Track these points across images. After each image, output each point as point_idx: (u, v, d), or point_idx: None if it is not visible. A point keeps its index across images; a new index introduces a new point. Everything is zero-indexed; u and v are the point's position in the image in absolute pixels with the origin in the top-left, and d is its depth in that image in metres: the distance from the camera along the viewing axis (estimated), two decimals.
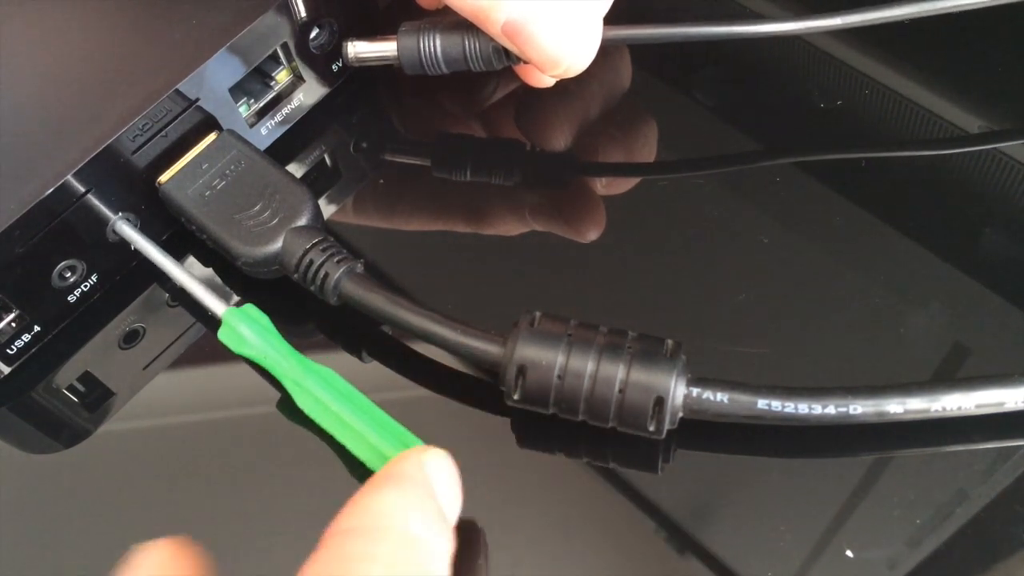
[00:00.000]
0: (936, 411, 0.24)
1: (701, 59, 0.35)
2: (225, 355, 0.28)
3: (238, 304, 0.27)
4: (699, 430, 0.25)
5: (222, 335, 0.26)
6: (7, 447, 0.27)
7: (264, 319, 0.26)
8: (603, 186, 0.32)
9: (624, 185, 0.32)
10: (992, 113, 0.32)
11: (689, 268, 0.29)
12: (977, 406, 0.24)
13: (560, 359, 0.24)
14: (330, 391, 0.25)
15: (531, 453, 0.26)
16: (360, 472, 0.25)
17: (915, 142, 0.31)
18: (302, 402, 0.25)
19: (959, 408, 0.24)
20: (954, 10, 0.30)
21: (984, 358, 0.26)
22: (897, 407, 0.23)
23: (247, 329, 0.26)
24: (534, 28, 0.27)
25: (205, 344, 0.29)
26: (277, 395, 0.27)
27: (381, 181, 0.32)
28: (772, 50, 0.35)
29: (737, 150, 0.32)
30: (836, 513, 0.24)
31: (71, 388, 0.28)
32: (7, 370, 0.28)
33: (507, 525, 0.25)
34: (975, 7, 0.30)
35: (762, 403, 0.23)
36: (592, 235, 0.30)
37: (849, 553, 0.24)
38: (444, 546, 0.21)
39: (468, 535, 0.24)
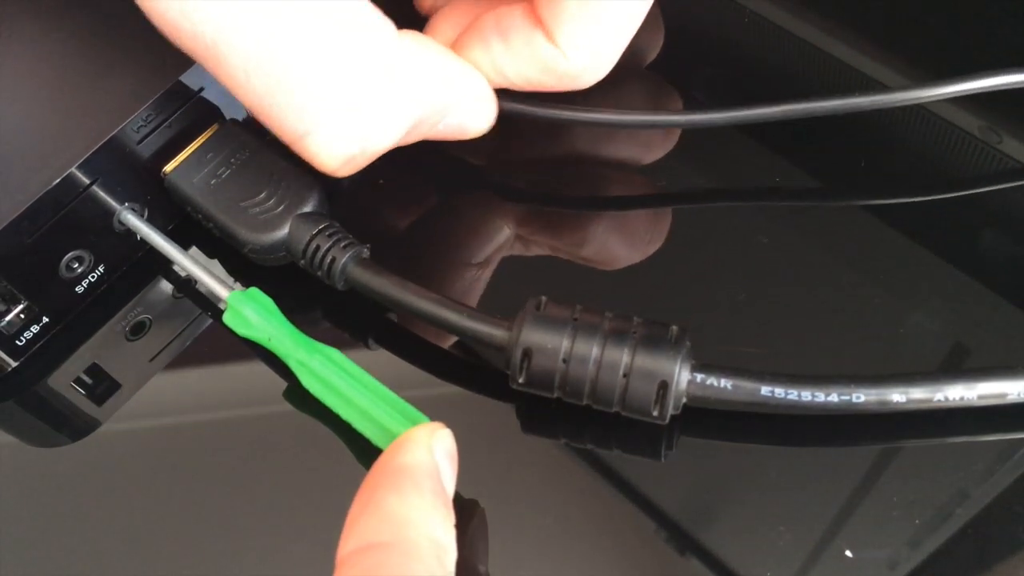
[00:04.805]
0: (939, 400, 0.24)
1: (701, 59, 0.35)
2: (230, 353, 0.28)
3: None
4: (702, 422, 0.25)
5: (227, 318, 0.26)
6: (15, 440, 0.27)
7: (268, 301, 0.26)
8: None
9: None
10: (994, 113, 0.32)
11: (689, 268, 0.29)
12: (980, 397, 0.24)
13: (565, 343, 0.24)
14: (335, 370, 0.25)
15: (535, 439, 0.26)
16: (365, 458, 0.25)
17: (915, 142, 0.32)
18: (307, 382, 0.25)
19: (961, 398, 0.24)
20: None
21: (984, 358, 0.27)
22: (900, 396, 0.23)
23: (251, 311, 0.26)
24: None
25: (212, 338, 0.29)
26: (282, 395, 0.27)
27: (381, 181, 0.32)
28: (772, 50, 0.35)
29: (737, 151, 0.32)
30: (836, 513, 0.24)
31: (79, 381, 0.28)
32: (15, 363, 0.28)
33: (509, 512, 0.25)
34: None
35: (765, 390, 0.24)
36: None
37: (849, 553, 0.24)
38: (453, 536, 0.21)
39: (469, 515, 0.24)
